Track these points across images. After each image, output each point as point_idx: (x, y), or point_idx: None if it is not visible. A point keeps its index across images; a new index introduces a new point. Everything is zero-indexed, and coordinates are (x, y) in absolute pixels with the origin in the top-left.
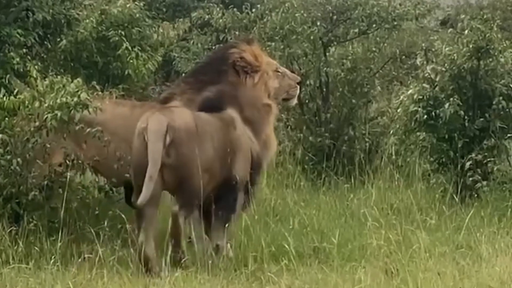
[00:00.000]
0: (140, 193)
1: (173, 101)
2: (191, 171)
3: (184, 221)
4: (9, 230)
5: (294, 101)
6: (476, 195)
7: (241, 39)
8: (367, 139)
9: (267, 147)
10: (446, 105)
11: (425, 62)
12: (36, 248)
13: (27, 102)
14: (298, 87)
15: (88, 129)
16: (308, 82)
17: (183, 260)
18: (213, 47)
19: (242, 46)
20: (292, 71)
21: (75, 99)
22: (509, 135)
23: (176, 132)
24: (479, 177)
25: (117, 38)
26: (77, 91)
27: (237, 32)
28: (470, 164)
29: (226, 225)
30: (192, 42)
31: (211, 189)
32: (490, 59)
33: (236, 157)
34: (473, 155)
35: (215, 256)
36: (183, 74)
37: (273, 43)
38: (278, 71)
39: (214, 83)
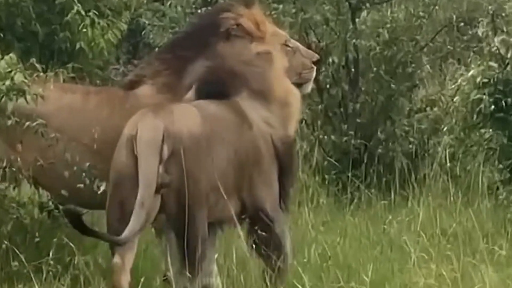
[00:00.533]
0: (121, 223)
1: (142, 86)
2: (200, 193)
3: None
4: None
5: (309, 87)
6: None
7: (236, 0)
8: (411, 139)
9: None
10: None
11: (492, 32)
12: None
13: None
14: (315, 68)
15: (26, 123)
16: (330, 60)
17: None
18: (198, 11)
19: (239, 9)
20: (309, 46)
21: (7, 82)
22: None
23: (177, 141)
24: None
25: None
26: (10, 71)
27: None
28: None
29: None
30: (169, 4)
31: (234, 208)
32: None
33: (258, 170)
34: None
35: None
36: (157, 49)
37: (281, 6)
38: (288, 46)
39: (200, 60)
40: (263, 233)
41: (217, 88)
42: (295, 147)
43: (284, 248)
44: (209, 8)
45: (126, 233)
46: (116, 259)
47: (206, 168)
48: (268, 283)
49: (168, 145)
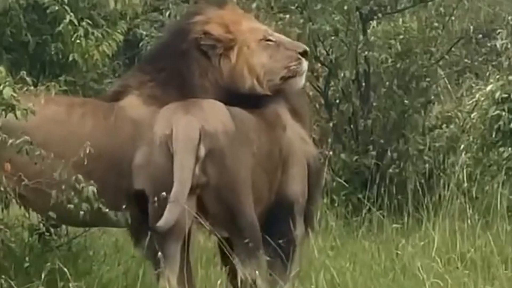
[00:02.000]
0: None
1: (128, 97)
2: (242, 191)
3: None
4: None
5: (301, 80)
6: None
7: (209, 2)
8: (426, 158)
9: None
10: None
11: (511, 45)
12: None
13: None
14: (303, 59)
15: (10, 141)
16: (339, 74)
17: None
18: None
19: (208, 12)
20: (317, 57)
21: None
22: None
23: (214, 140)
24: None
25: (56, 8)
26: None
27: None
28: None
29: (288, 265)
30: (167, 14)
31: (258, 215)
32: None
33: (289, 169)
34: None
35: None
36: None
37: (287, 16)
38: (268, 40)
39: (177, 70)
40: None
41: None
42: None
43: (293, 233)
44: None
45: (162, 222)
46: (162, 283)
47: (244, 165)
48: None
49: (204, 144)
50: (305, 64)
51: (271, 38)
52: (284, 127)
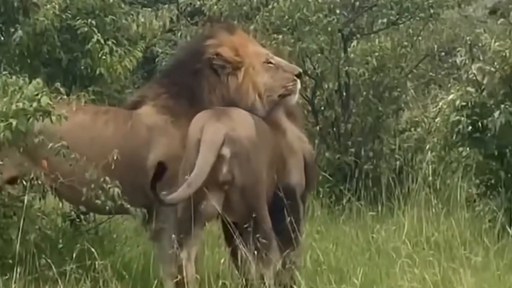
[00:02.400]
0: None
1: (144, 106)
2: (261, 191)
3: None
4: None
5: (295, 97)
6: None
7: (220, 26)
8: (397, 156)
9: None
10: (496, 114)
11: (469, 61)
12: None
13: None
14: (298, 80)
15: (50, 144)
16: (324, 85)
17: None
18: None
19: (220, 36)
20: (305, 71)
21: (34, 104)
22: None
23: (238, 144)
24: None
25: (86, 29)
26: (37, 94)
27: (235, 22)
28: None
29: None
30: (179, 34)
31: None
32: None
33: (289, 164)
34: None
35: None
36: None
37: (280, 36)
38: (270, 62)
39: (190, 85)
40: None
41: None
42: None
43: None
44: (197, 35)
45: (171, 197)
46: (183, 254)
47: (263, 166)
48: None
49: (229, 147)
50: (299, 84)
51: (272, 61)
52: (284, 132)
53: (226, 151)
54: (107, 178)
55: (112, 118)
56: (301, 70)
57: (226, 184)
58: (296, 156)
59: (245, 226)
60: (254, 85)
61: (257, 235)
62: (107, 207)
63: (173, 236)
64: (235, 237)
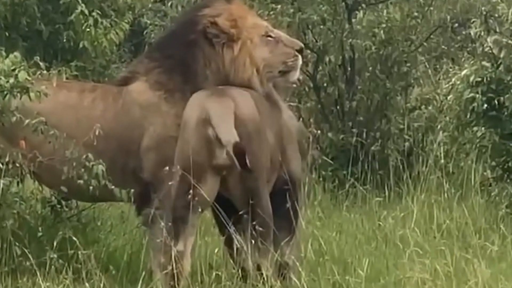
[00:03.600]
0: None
1: (136, 82)
2: (261, 177)
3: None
4: None
5: (296, 74)
6: None
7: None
8: (406, 137)
9: None
10: None
11: (484, 33)
12: None
13: None
14: (299, 56)
15: (27, 121)
16: (327, 59)
17: None
18: None
19: (217, 5)
20: (306, 44)
21: (11, 80)
22: None
23: (242, 126)
24: None
25: None
26: (14, 69)
27: None
28: None
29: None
30: (170, 4)
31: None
32: None
33: (288, 148)
34: None
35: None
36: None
37: (279, 6)
38: (269, 36)
39: (184, 58)
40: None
41: None
42: None
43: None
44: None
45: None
46: (179, 246)
47: (265, 150)
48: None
49: (235, 127)
50: (300, 60)
51: (271, 34)
52: (280, 110)
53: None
54: (89, 155)
55: (100, 96)
56: (302, 45)
57: (224, 168)
58: (294, 140)
59: (242, 212)
60: (252, 59)
61: (254, 223)
62: (91, 188)
63: (168, 224)
64: (228, 226)
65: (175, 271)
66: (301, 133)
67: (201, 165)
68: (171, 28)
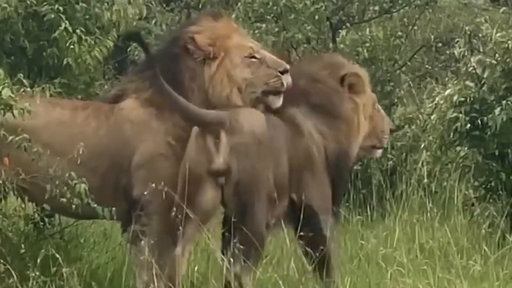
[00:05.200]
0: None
1: (126, 100)
2: (257, 194)
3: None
4: None
5: (279, 100)
6: None
7: (206, 13)
8: (389, 156)
9: None
10: (497, 110)
11: (468, 52)
12: None
13: None
14: (282, 76)
15: (11, 137)
16: None
17: None
18: None
19: (203, 22)
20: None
21: None
22: None
23: (239, 135)
24: None
25: (53, 16)
26: None
27: (215, 9)
28: None
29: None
30: (154, 22)
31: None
32: None
33: (309, 176)
34: None
35: None
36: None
37: (264, 25)
38: (253, 57)
39: (170, 72)
40: (310, 233)
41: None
42: (349, 162)
43: (328, 250)
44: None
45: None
46: (178, 250)
47: (267, 167)
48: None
49: (229, 136)
50: (284, 81)
51: (256, 55)
52: (302, 133)
53: (224, 138)
54: (72, 173)
55: (93, 113)
56: (287, 67)
57: (221, 174)
58: (314, 167)
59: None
60: (230, 78)
61: (235, 240)
62: (73, 206)
63: (152, 241)
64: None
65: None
66: (337, 158)
67: (200, 174)
68: (160, 46)
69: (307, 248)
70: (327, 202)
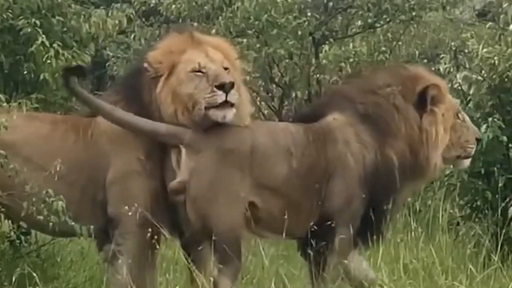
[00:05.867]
0: None
1: None
2: (218, 203)
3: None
4: None
5: (223, 114)
6: None
7: (175, 28)
8: None
9: None
10: (483, 128)
11: (454, 68)
12: None
13: None
14: (219, 92)
15: None
16: (293, 94)
17: None
18: None
19: (169, 37)
20: (272, 79)
21: None
22: None
23: (193, 145)
24: None
25: (29, 30)
26: None
27: (195, 23)
28: None
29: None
30: (133, 36)
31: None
32: None
33: (336, 185)
34: None
35: None
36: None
37: (245, 40)
38: (199, 71)
39: (138, 89)
40: (326, 245)
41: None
42: (391, 177)
43: (331, 263)
44: None
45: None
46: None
47: (235, 176)
48: None
49: (188, 156)
50: (219, 97)
51: (202, 70)
52: (335, 141)
53: (184, 156)
54: (50, 190)
55: (72, 127)
56: (224, 81)
57: (179, 192)
58: (345, 174)
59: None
60: (175, 96)
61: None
62: (50, 224)
63: (129, 260)
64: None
65: None
66: (377, 169)
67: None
68: (137, 61)
69: (315, 257)
70: (351, 215)
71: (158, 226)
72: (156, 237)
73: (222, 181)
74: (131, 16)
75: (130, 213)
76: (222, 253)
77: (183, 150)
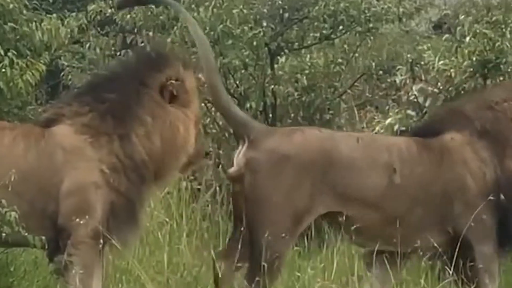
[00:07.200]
0: None
1: (60, 125)
2: (267, 216)
3: None
4: None
5: None
6: None
7: (172, 56)
8: None
9: None
10: None
11: (410, 80)
12: None
13: None
14: None
15: None
16: (248, 105)
17: None
18: (118, 53)
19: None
20: (227, 89)
21: None
22: None
23: (253, 151)
24: None
25: None
26: None
27: (150, 33)
28: None
29: None
30: (88, 46)
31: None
32: (501, 77)
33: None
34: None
35: None
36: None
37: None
38: None
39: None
40: (465, 265)
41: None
42: None
43: (480, 283)
44: (129, 51)
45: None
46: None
47: (290, 186)
48: None
49: (246, 149)
50: None
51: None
52: (452, 161)
53: (242, 148)
54: (3, 201)
55: (21, 134)
56: None
57: (235, 180)
58: (466, 195)
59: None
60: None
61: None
62: (3, 234)
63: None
64: None
65: None
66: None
67: None
68: (106, 73)
69: (464, 280)
70: (485, 232)
71: (110, 238)
72: (108, 248)
73: (271, 183)
74: (84, 26)
75: (82, 223)
76: (257, 259)
77: (243, 144)
